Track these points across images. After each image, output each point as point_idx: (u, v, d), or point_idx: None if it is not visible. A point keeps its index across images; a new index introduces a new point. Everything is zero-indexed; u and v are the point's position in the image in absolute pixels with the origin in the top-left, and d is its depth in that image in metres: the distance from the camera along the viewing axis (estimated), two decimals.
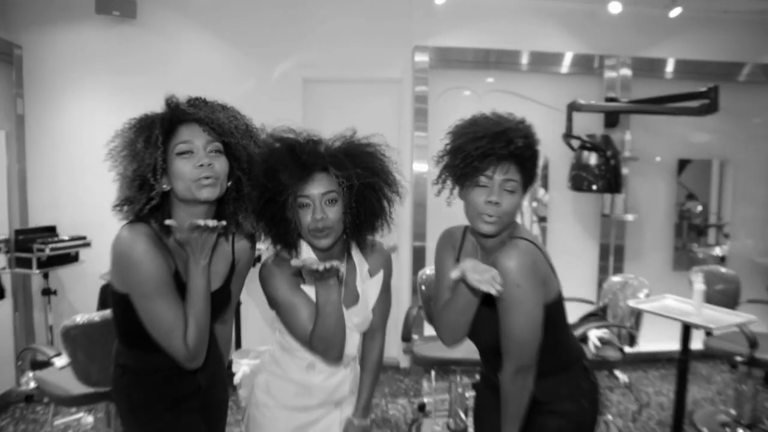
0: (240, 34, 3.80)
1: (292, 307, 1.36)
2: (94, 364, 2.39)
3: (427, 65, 3.81)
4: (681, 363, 2.36)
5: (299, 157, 1.32)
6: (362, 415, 1.52)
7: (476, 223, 1.33)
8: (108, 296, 1.29)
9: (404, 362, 4.01)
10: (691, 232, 4.25)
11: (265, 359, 1.54)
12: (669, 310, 2.38)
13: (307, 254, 1.38)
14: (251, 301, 3.80)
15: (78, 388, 2.44)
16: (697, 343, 3.11)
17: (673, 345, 3.83)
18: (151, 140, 1.17)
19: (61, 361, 2.42)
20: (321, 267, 1.19)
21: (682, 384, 2.35)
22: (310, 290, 1.38)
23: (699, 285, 2.34)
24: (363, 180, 1.34)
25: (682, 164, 4.18)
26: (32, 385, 2.84)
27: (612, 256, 4.04)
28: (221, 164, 1.23)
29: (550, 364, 1.36)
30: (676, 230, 4.21)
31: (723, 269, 3.44)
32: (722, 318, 2.25)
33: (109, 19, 3.66)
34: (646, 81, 4.00)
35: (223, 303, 1.37)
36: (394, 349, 4.00)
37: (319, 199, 1.33)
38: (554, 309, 1.35)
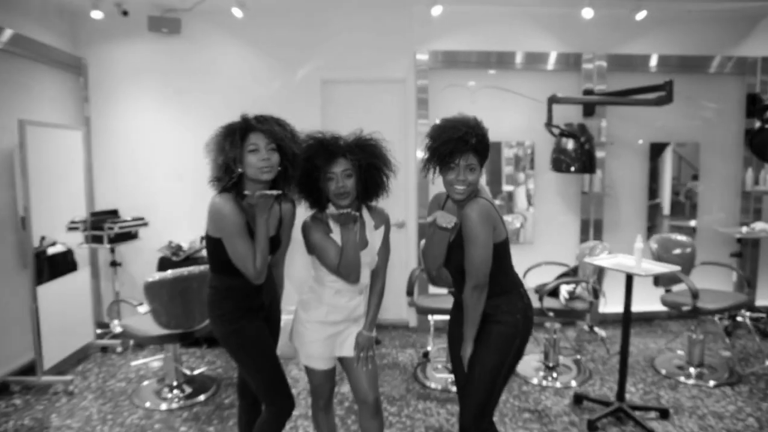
0: (267, 44, 4.46)
1: (325, 248, 2.03)
2: (168, 311, 3.10)
3: (426, 66, 4.44)
4: (626, 306, 2.97)
5: (327, 147, 1.99)
6: (369, 329, 2.18)
7: (451, 193, 1.98)
8: (206, 243, 1.96)
9: (413, 322, 4.68)
10: (676, 206, 4.82)
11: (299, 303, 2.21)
12: (616, 264, 2.99)
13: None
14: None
15: (155, 330, 3.17)
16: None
17: (646, 306, 4.45)
18: (233, 141, 1.85)
19: (143, 309, 3.15)
20: (344, 212, 1.88)
21: (627, 324, 2.96)
22: (336, 237, 2.05)
23: (638, 244, 2.94)
24: (367, 161, 2.00)
25: (654, 148, 4.74)
26: (119, 329, 3.58)
27: (592, 228, 4.64)
28: (275, 158, 1.91)
29: (496, 288, 2.00)
30: (649, 208, 4.78)
31: (680, 237, 4.03)
32: (653, 268, 2.86)
33: (158, 36, 4.35)
34: (621, 75, 4.56)
35: (276, 245, 2.06)
36: (404, 312, 4.67)
37: (340, 174, 1.99)
38: (501, 247, 1.99)
